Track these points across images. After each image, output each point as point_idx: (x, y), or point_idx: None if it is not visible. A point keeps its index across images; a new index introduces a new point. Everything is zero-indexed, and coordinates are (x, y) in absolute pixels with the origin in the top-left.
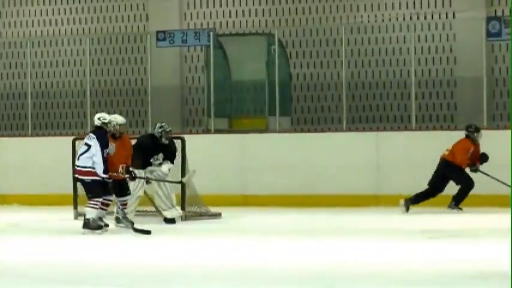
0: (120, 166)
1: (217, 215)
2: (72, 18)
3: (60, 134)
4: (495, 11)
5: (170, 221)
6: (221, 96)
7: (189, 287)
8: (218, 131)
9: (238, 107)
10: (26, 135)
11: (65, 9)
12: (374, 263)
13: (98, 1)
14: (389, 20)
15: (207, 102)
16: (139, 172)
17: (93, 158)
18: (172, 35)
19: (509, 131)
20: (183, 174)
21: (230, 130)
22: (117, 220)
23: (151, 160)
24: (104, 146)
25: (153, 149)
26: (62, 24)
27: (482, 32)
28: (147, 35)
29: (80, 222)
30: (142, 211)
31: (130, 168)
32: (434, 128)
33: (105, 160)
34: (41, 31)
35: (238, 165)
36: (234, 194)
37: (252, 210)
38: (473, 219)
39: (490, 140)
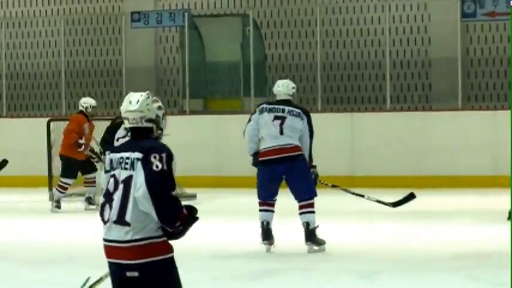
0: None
1: (193, 197)
2: None
3: (35, 116)
4: None
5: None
6: (196, 77)
7: None
8: (193, 112)
9: (213, 88)
10: (0, 117)
11: None
12: (351, 244)
13: None
14: (364, 0)
15: (182, 83)
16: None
17: None
18: (147, 15)
19: (485, 112)
20: None
21: (205, 111)
22: (89, 200)
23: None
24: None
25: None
26: (36, 5)
27: (457, 13)
28: (121, 16)
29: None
30: None
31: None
32: (409, 109)
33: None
34: (16, 12)
35: (213, 146)
36: (209, 175)
37: (227, 191)
38: (449, 201)
39: (464, 121)
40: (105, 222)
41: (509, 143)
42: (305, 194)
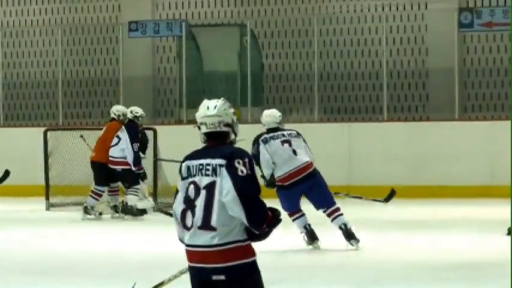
0: None
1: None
2: (44, 8)
3: (32, 125)
4: (467, 1)
5: (142, 211)
6: (193, 87)
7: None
8: (190, 122)
9: (211, 97)
10: None
11: (36, 0)
12: (349, 253)
13: None
14: (361, 10)
15: (179, 93)
16: None
17: (125, 152)
18: (145, 25)
19: (482, 122)
20: (154, 166)
21: None
22: (115, 208)
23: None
24: (133, 139)
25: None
26: (34, 14)
27: (454, 23)
28: (119, 26)
29: (51, 213)
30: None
31: None
32: (406, 119)
33: (136, 154)
34: (13, 21)
35: None
36: None
37: None
38: (446, 211)
39: (461, 132)
40: (187, 228)
41: (507, 153)
42: (330, 202)
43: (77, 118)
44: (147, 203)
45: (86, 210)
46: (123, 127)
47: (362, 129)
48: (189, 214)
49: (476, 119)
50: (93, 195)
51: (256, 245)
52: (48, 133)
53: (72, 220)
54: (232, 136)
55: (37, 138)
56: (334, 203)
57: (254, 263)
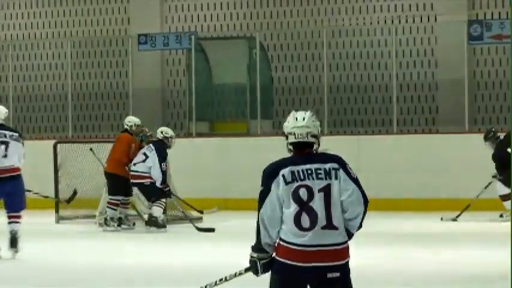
0: None
1: (199, 219)
2: (53, 21)
3: (42, 138)
4: (477, 14)
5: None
6: (202, 99)
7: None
8: (199, 135)
9: (220, 110)
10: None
11: (46, 13)
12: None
13: (79, 4)
14: (371, 23)
15: (189, 106)
16: None
17: (151, 170)
18: (154, 38)
19: None
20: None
21: (211, 134)
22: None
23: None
24: (162, 159)
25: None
26: (43, 27)
27: (463, 35)
28: (128, 38)
29: (61, 226)
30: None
31: None
32: (415, 132)
33: (163, 173)
34: (22, 34)
35: (219, 168)
36: (215, 197)
37: (233, 214)
38: (455, 224)
39: (471, 144)
40: (304, 230)
41: None
42: (18, 207)
43: (87, 131)
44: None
45: (106, 222)
46: (151, 146)
47: (371, 142)
48: (304, 216)
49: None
50: (111, 206)
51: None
52: (58, 146)
53: (82, 233)
54: (316, 146)
55: (47, 151)
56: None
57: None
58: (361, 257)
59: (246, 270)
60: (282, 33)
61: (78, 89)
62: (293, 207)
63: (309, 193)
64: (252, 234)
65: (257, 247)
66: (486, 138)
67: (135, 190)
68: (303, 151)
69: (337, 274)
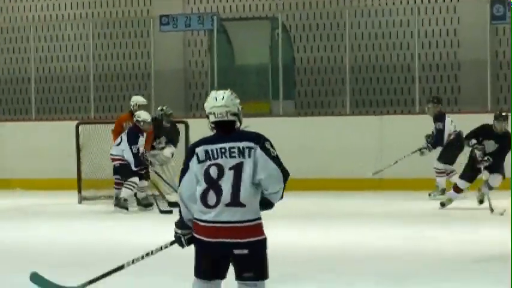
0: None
1: None
2: (75, 2)
3: (64, 119)
4: None
5: (173, 204)
6: (224, 80)
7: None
8: None
9: (242, 91)
10: (29, 120)
11: None
12: (372, 246)
13: None
14: (393, 3)
15: (211, 87)
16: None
17: (124, 154)
18: (176, 19)
19: None
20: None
21: None
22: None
23: (154, 143)
24: (132, 142)
25: (155, 132)
26: (65, 8)
27: (486, 15)
28: (150, 19)
29: (83, 206)
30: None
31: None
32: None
33: (135, 155)
34: (44, 16)
35: None
36: None
37: None
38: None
39: None
40: (210, 207)
41: None
42: None
43: (109, 112)
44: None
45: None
46: (126, 131)
47: (394, 122)
48: (211, 193)
49: (509, 111)
50: (117, 186)
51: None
52: (80, 127)
53: (104, 213)
54: (238, 124)
55: (69, 132)
56: None
57: (266, 240)
58: (381, 237)
59: (172, 243)
60: (304, 13)
61: (100, 70)
62: (202, 186)
63: (220, 171)
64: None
65: (180, 223)
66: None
67: (158, 168)
68: (224, 130)
69: (245, 251)
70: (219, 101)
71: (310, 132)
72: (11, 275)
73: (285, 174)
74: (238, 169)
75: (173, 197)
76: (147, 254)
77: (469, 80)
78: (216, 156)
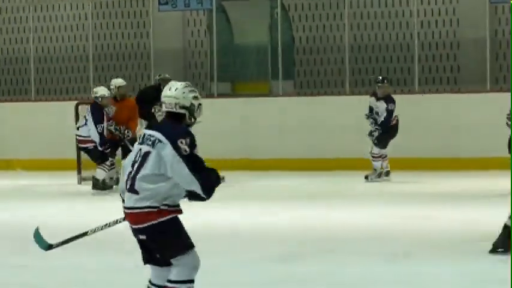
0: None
1: (221, 179)
2: None
3: (64, 99)
4: None
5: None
6: (224, 60)
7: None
8: (221, 95)
9: (241, 71)
10: (29, 100)
11: None
12: (373, 226)
13: None
14: None
15: (210, 67)
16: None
17: (90, 133)
18: None
19: None
20: None
21: (233, 94)
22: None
23: (153, 110)
24: (97, 120)
25: (154, 98)
26: None
27: None
28: None
29: (83, 187)
30: None
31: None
32: (437, 91)
33: (101, 134)
34: None
35: (241, 129)
36: (238, 158)
37: (255, 174)
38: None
39: (492, 103)
40: (126, 190)
41: None
42: None
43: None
44: None
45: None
46: (88, 108)
47: None
48: (129, 176)
49: (508, 90)
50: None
51: (287, 219)
52: (80, 107)
53: (104, 193)
54: (187, 118)
55: (68, 112)
56: None
57: (171, 220)
58: (381, 216)
59: (118, 221)
60: None
61: (99, 50)
62: (129, 168)
63: (138, 155)
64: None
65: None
66: None
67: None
68: (172, 121)
69: (144, 237)
70: (171, 91)
71: (309, 112)
72: (11, 256)
73: (204, 182)
74: (144, 157)
75: None
76: (107, 225)
77: (468, 59)
78: (143, 141)
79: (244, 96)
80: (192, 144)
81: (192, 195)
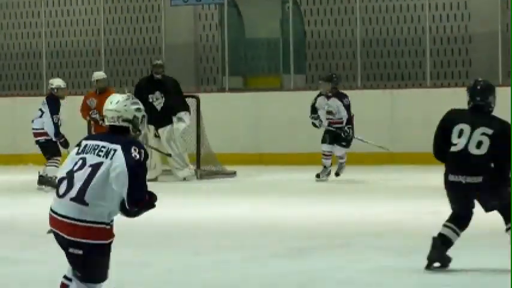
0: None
1: (232, 174)
2: None
3: (76, 93)
4: None
5: (183, 179)
6: (235, 54)
7: (204, 243)
8: (233, 90)
9: (253, 65)
10: (41, 95)
11: None
12: (382, 220)
13: None
14: None
15: (222, 61)
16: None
17: (45, 125)
18: None
19: None
20: (197, 134)
21: (245, 88)
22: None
23: (150, 100)
24: (53, 111)
25: (148, 87)
26: None
27: None
28: None
29: None
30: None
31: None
32: (449, 85)
33: (56, 125)
34: None
35: (252, 123)
36: (249, 152)
37: (267, 168)
38: None
39: (504, 97)
40: (59, 196)
41: None
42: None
43: (119, 86)
44: (187, 170)
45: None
46: (44, 100)
47: (405, 96)
48: (64, 183)
49: None
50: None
51: (297, 214)
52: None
53: None
54: (132, 132)
55: (80, 106)
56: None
57: (109, 245)
58: (391, 211)
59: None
60: None
61: (111, 44)
62: (62, 174)
63: (81, 165)
64: (285, 189)
65: None
66: None
67: (165, 145)
68: (118, 134)
69: (80, 251)
70: (112, 104)
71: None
72: (22, 251)
73: (139, 178)
74: (95, 168)
75: (185, 172)
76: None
77: (479, 53)
78: (87, 151)
79: (255, 90)
80: (145, 157)
81: (123, 208)
